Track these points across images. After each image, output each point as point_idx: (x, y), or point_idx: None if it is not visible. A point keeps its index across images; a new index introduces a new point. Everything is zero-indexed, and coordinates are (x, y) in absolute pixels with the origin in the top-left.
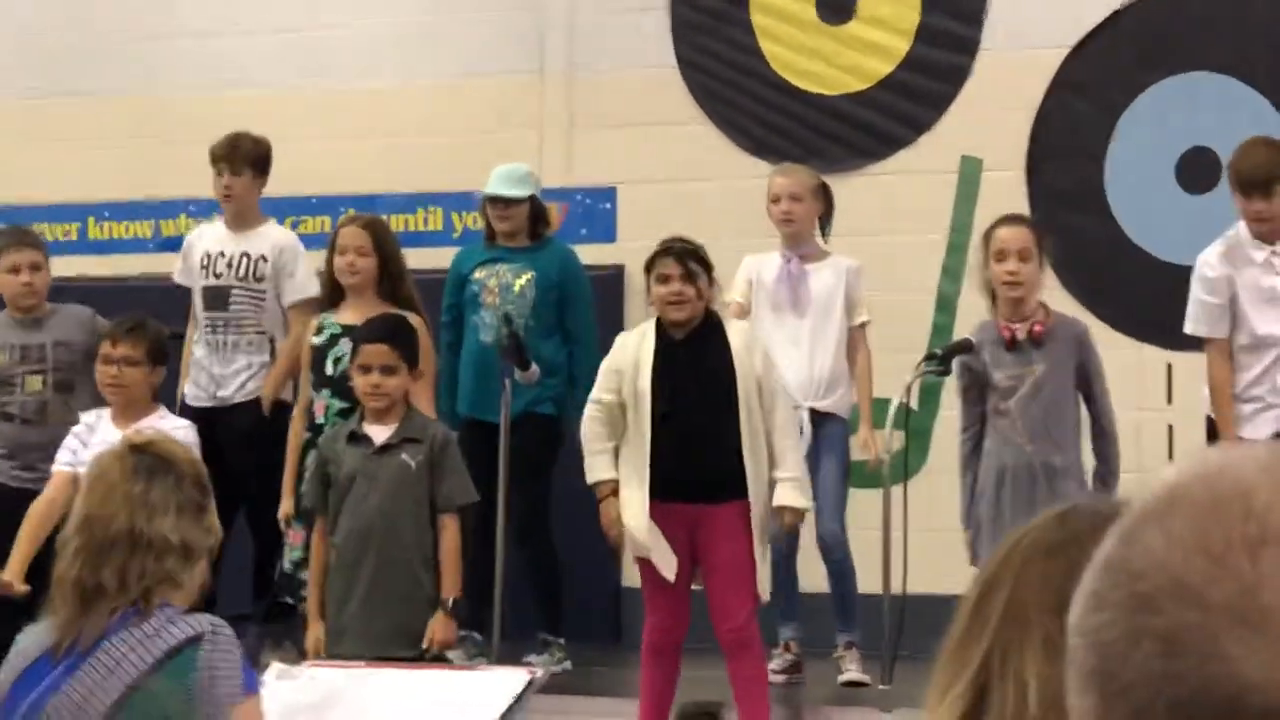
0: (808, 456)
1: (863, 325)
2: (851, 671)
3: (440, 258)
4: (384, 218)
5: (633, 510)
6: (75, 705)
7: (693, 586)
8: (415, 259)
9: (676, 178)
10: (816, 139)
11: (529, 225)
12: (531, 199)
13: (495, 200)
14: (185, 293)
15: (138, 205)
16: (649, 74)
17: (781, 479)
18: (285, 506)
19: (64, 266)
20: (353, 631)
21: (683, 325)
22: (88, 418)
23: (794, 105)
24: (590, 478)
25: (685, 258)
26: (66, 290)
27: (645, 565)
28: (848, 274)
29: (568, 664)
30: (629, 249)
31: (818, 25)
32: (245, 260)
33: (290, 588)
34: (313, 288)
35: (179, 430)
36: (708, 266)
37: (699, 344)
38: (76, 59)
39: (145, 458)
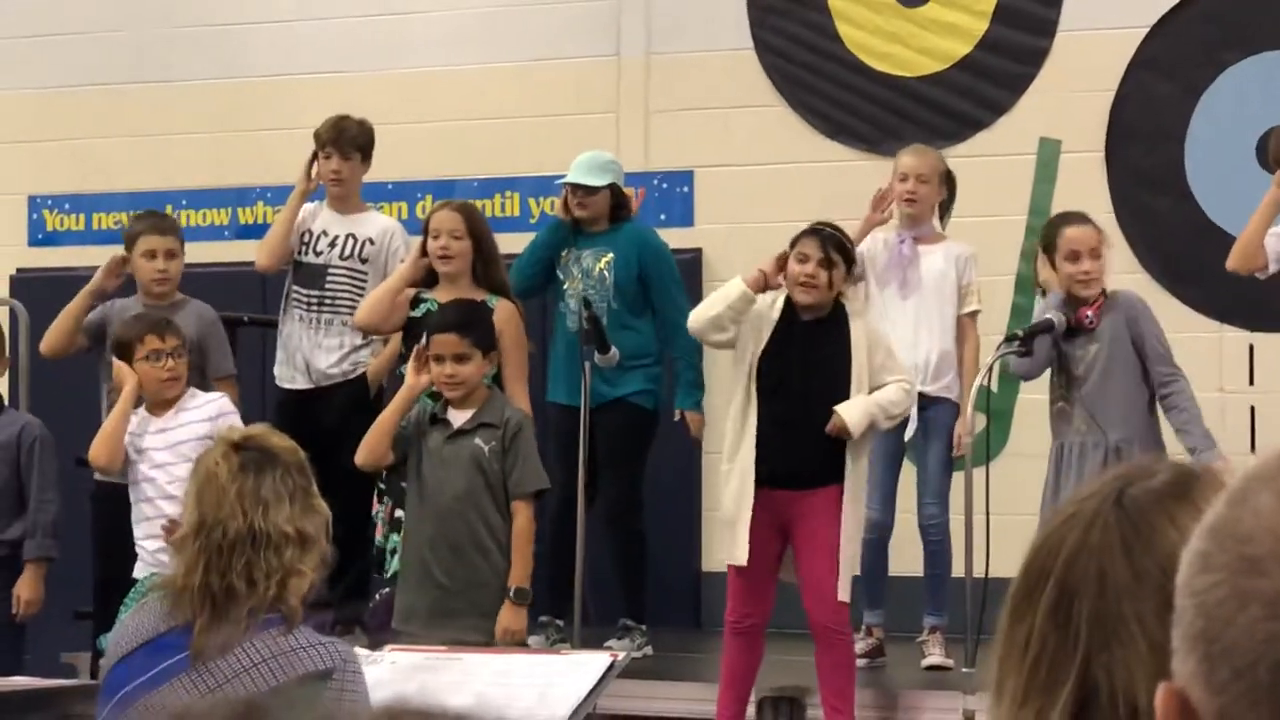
0: (913, 440)
1: (973, 314)
2: (935, 655)
3: (518, 243)
4: (474, 202)
5: (730, 487)
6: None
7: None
8: None
9: (753, 161)
10: (893, 121)
11: (609, 211)
12: (612, 186)
13: (575, 188)
14: (261, 279)
15: (216, 193)
16: (726, 57)
17: (857, 397)
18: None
19: (73, 257)
20: (423, 614)
21: (809, 309)
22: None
23: (871, 87)
24: (728, 287)
25: (828, 243)
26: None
27: (721, 545)
28: (959, 260)
29: (649, 649)
30: (706, 232)
31: (895, 7)
32: (351, 241)
33: (381, 562)
34: None
35: (211, 404)
36: (849, 259)
37: (820, 332)
38: (156, 47)
39: (248, 453)
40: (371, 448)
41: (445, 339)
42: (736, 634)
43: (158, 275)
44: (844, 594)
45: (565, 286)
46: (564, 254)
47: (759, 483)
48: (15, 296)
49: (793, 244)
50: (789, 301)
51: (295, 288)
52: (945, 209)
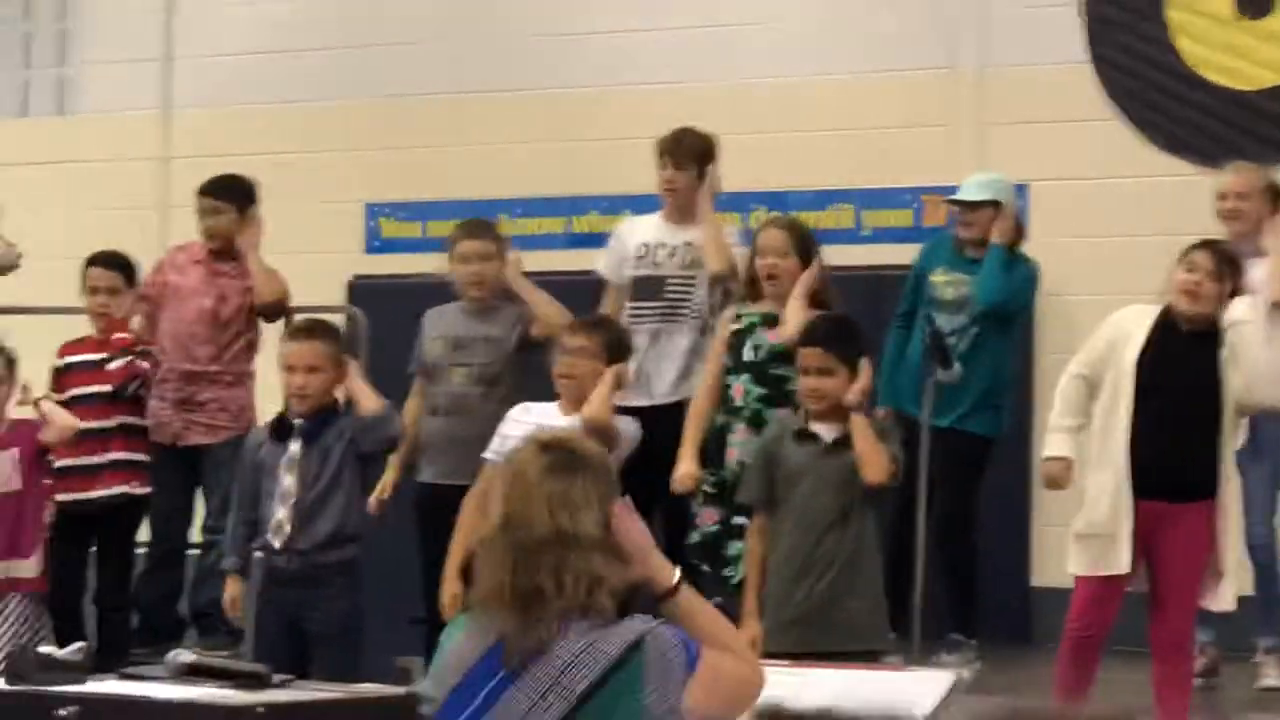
0: (1241, 454)
1: None
2: (1271, 677)
3: (850, 255)
4: (799, 217)
5: (1101, 497)
6: (521, 713)
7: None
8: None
9: (1089, 175)
10: (1233, 135)
11: (1010, 234)
12: (997, 205)
13: (958, 204)
14: (595, 288)
15: (549, 201)
16: (1061, 70)
17: None
18: (685, 468)
19: (408, 264)
20: (799, 627)
21: (1190, 319)
22: (519, 409)
23: (1210, 101)
24: (1048, 450)
25: (1220, 257)
26: (421, 289)
27: (1084, 555)
28: None
29: (979, 664)
30: (1042, 245)
31: (1236, 19)
32: (689, 250)
33: (701, 555)
34: None
35: (620, 421)
36: (1237, 275)
37: (1198, 344)
38: (492, 57)
39: (559, 454)
40: None
41: (811, 352)
42: (1078, 645)
43: (469, 278)
44: (1227, 603)
45: (927, 300)
46: (935, 271)
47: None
48: (353, 303)
49: (1182, 255)
50: (1166, 313)
51: (633, 304)
52: None
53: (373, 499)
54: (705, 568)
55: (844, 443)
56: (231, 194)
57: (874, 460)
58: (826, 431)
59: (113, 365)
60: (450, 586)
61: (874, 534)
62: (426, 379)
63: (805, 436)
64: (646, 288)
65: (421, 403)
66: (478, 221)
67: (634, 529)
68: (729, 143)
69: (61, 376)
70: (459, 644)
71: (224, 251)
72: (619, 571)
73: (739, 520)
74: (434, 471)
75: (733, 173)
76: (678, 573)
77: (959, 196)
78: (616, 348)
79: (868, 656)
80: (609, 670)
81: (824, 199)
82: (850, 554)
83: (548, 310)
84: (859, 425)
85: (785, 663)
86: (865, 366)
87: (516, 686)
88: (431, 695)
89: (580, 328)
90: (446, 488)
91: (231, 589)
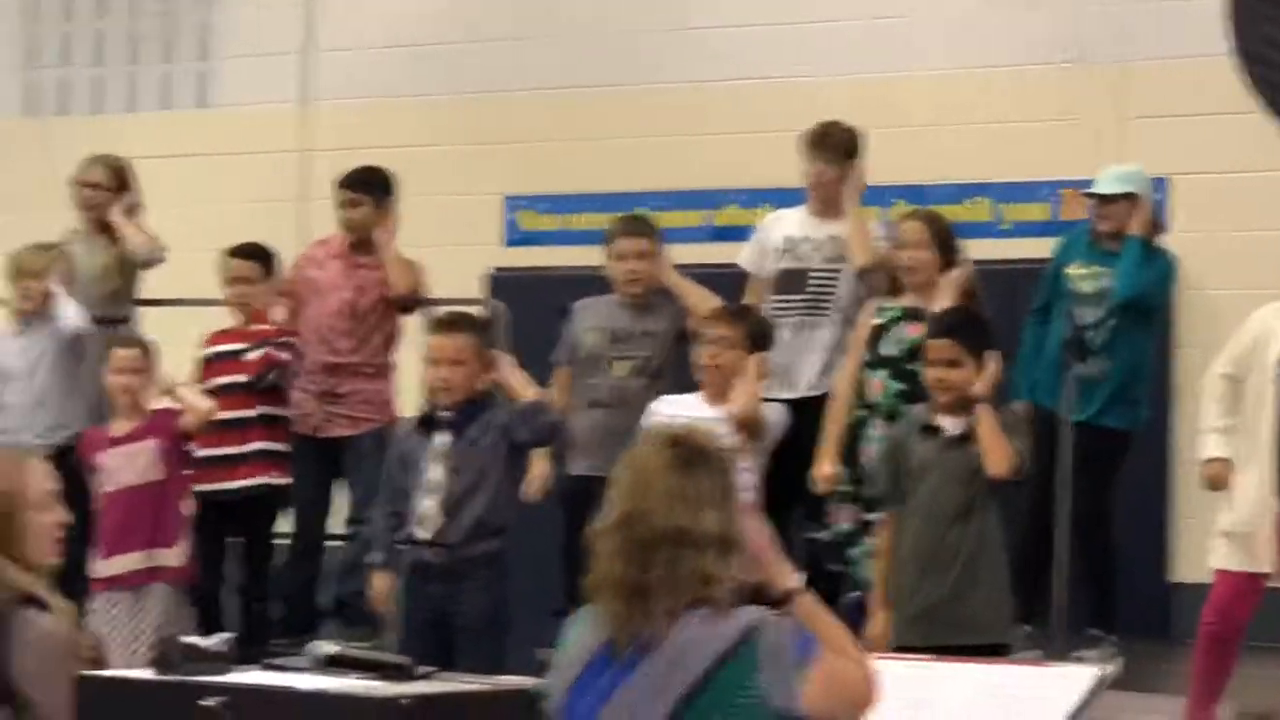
0: None
1: None
2: None
3: (988, 249)
4: (939, 211)
5: (1245, 496)
6: (630, 710)
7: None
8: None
9: (1230, 169)
10: None
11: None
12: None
13: (1094, 197)
14: (739, 280)
15: (689, 195)
16: (1202, 63)
17: None
18: (825, 469)
19: (547, 257)
20: (924, 622)
21: None
22: (662, 401)
23: None
24: (1206, 452)
25: None
26: (561, 281)
27: (1227, 550)
28: None
29: (1119, 660)
30: (1182, 239)
31: None
32: (833, 244)
33: (831, 555)
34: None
35: (768, 410)
36: None
37: None
38: (633, 51)
39: (681, 450)
40: None
41: (941, 344)
42: (1215, 640)
43: (629, 276)
44: None
45: (1065, 294)
46: (1073, 264)
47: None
48: (493, 295)
49: None
50: None
51: (776, 298)
52: None
53: (533, 485)
54: (836, 567)
55: (969, 436)
56: (369, 187)
57: (997, 453)
58: (952, 425)
59: (250, 355)
60: None
61: (998, 528)
62: (575, 371)
63: (930, 430)
64: (790, 281)
65: (568, 394)
66: (635, 218)
67: (755, 530)
68: (869, 136)
69: (207, 366)
70: (579, 637)
71: (362, 244)
72: (736, 571)
73: (873, 516)
74: (587, 464)
75: (873, 166)
76: (797, 577)
77: (1095, 189)
78: (759, 337)
79: (991, 651)
80: (721, 661)
81: (962, 193)
82: (974, 548)
83: (702, 302)
84: (984, 417)
85: (922, 657)
86: (992, 359)
87: (630, 679)
88: (551, 688)
89: (722, 317)
90: (599, 480)
91: (379, 583)
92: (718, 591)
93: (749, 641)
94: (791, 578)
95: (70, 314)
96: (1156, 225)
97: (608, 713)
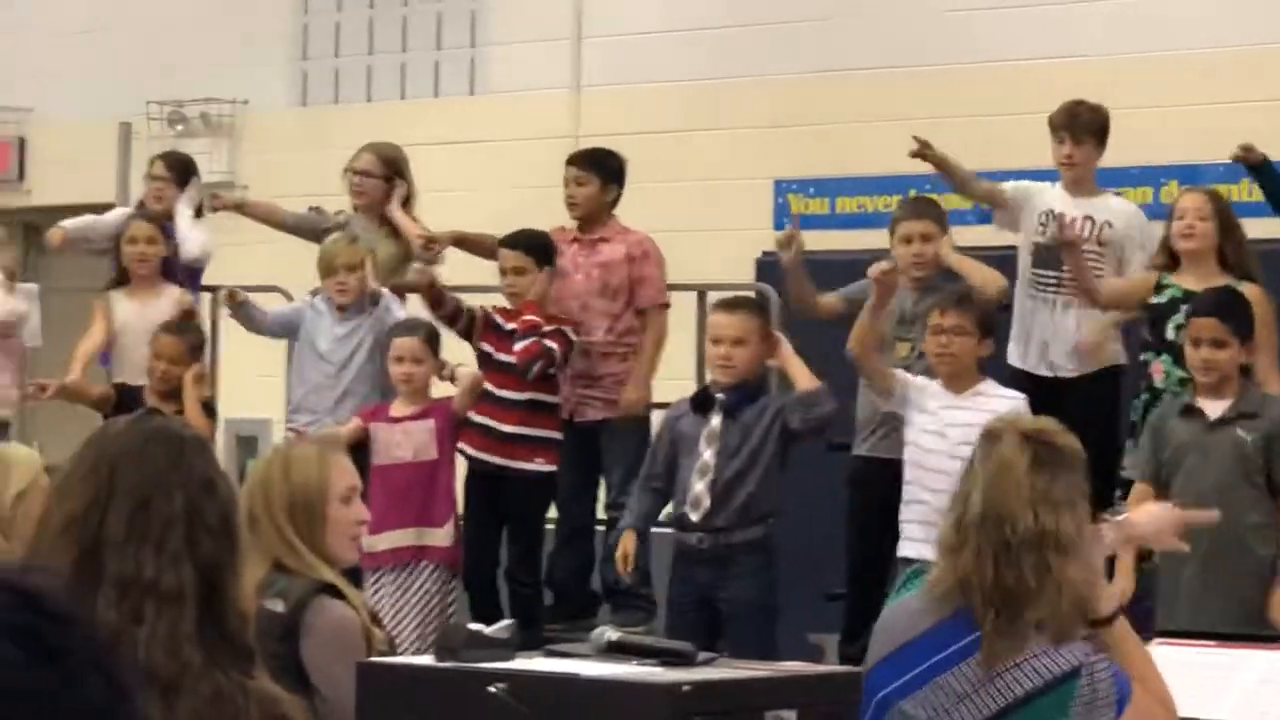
0: None
1: None
2: None
3: (1264, 228)
4: (1219, 188)
5: None
6: (953, 700)
7: None
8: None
9: None
10: None
11: None
12: None
13: None
14: (1002, 262)
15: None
16: None
17: None
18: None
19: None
20: (1186, 606)
21: None
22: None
23: None
24: None
25: None
26: (830, 265)
27: None
28: None
29: None
30: None
31: None
32: (1089, 224)
33: None
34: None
35: (1006, 401)
36: None
37: None
38: (902, 33)
39: (1041, 448)
40: None
41: (1205, 323)
42: None
43: (914, 260)
44: None
45: None
46: None
47: None
48: (762, 280)
49: None
50: None
51: (1034, 270)
52: None
53: None
54: None
55: (1231, 420)
56: (594, 165)
57: None
58: (1213, 408)
59: (517, 345)
60: None
61: (1269, 511)
62: None
63: (1191, 412)
64: (1048, 256)
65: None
66: (921, 200)
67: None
68: (1141, 116)
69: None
70: (908, 611)
71: (592, 221)
72: (1087, 580)
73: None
74: (871, 445)
75: (1146, 147)
76: (1116, 603)
77: None
78: (987, 323)
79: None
80: (1043, 688)
81: (1237, 172)
82: (1237, 533)
83: (985, 277)
84: None
85: (1203, 644)
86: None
87: (955, 672)
88: (869, 652)
89: (951, 304)
90: (883, 462)
91: (626, 544)
92: (1072, 603)
93: (1071, 681)
94: (1113, 599)
95: (396, 310)
96: None
97: (911, 702)
